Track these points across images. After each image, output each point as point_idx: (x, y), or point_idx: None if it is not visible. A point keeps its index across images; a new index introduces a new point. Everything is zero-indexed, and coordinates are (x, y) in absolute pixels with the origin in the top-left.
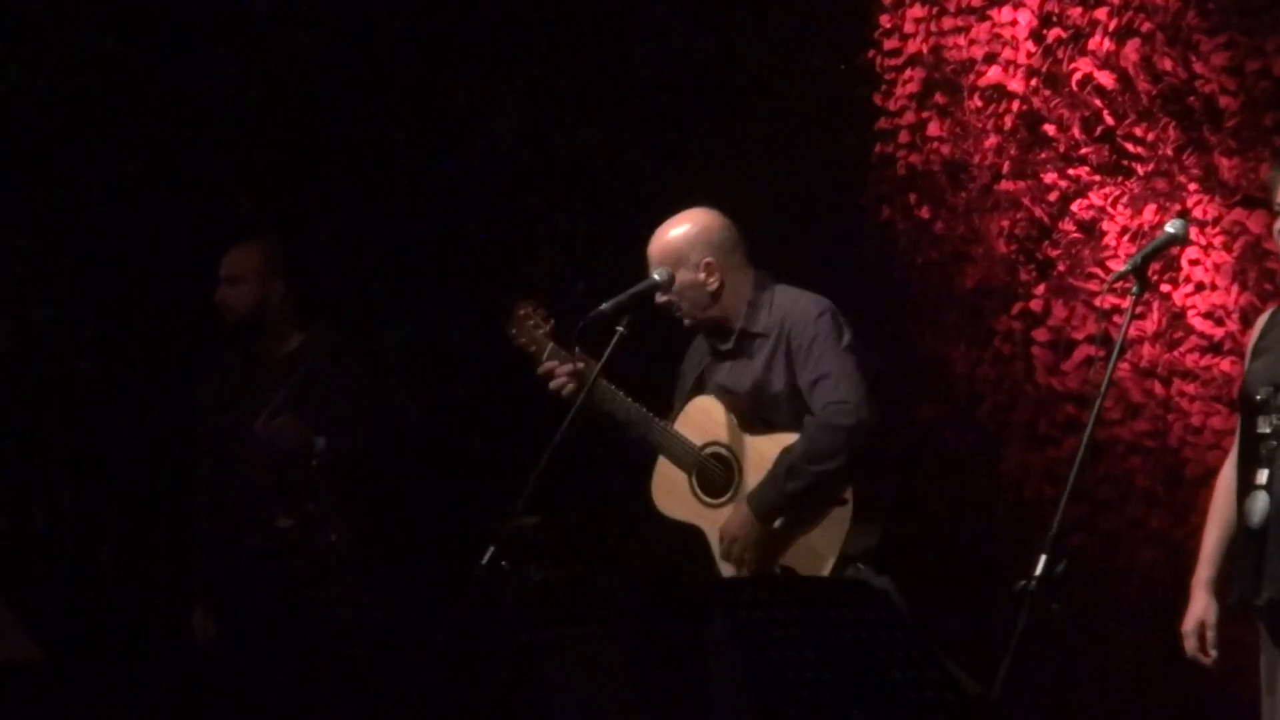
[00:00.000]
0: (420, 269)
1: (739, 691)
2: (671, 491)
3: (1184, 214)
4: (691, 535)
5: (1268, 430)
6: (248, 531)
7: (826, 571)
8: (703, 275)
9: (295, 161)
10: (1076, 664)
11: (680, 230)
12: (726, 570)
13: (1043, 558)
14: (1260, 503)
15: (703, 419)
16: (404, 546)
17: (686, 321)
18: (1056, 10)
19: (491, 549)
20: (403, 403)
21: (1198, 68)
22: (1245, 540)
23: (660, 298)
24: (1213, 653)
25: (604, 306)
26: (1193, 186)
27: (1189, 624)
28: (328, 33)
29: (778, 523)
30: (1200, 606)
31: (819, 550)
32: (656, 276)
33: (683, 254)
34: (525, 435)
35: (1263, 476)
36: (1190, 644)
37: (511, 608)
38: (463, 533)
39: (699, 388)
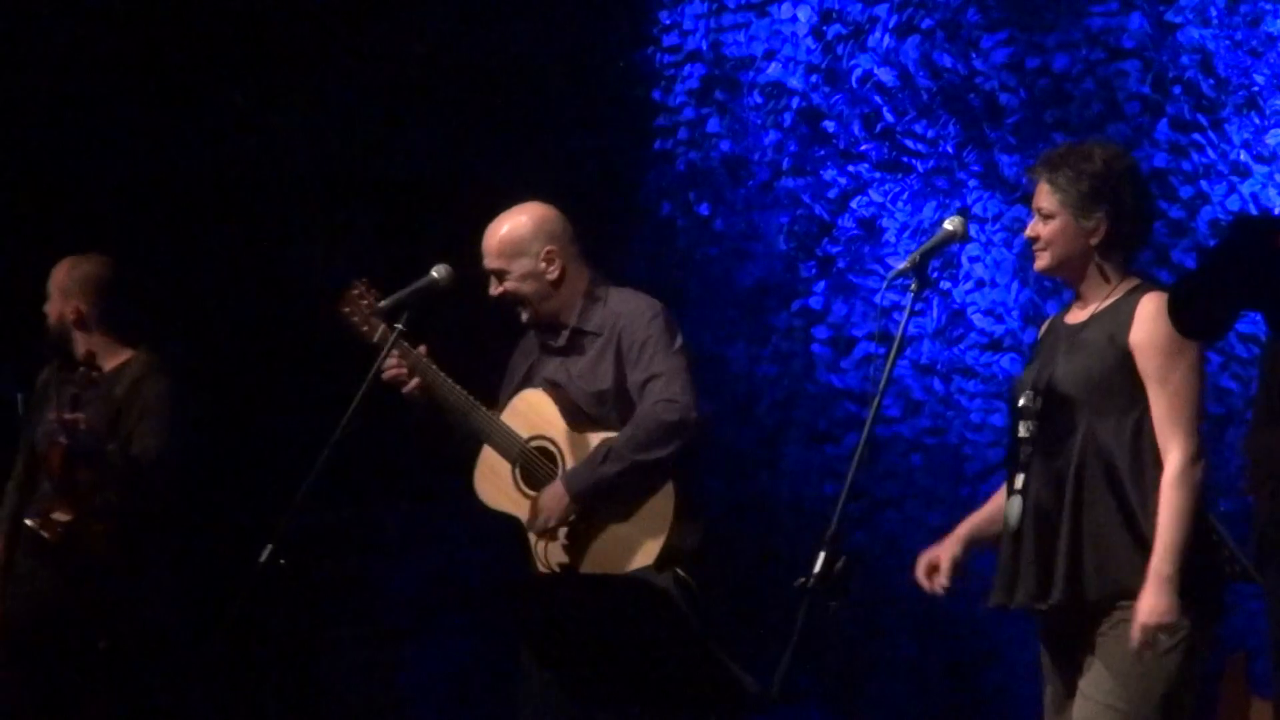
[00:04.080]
0: (208, 271)
1: (544, 688)
2: (494, 482)
3: (964, 211)
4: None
5: (1026, 435)
6: (27, 516)
7: (650, 566)
8: (544, 264)
9: (74, 169)
10: (856, 661)
11: (519, 220)
12: (537, 544)
13: (822, 555)
14: (1016, 507)
15: (529, 412)
16: (184, 541)
17: (525, 315)
18: (836, 7)
19: (270, 547)
20: (203, 416)
21: (978, 65)
22: (1006, 542)
23: (497, 288)
24: (943, 581)
25: (382, 304)
26: (973, 183)
27: (924, 555)
28: (111, 30)
29: (592, 506)
30: (943, 546)
31: (641, 546)
32: (435, 274)
33: (523, 244)
34: (308, 434)
35: (1020, 481)
36: (919, 569)
37: (291, 605)
38: (242, 532)
39: (527, 382)
